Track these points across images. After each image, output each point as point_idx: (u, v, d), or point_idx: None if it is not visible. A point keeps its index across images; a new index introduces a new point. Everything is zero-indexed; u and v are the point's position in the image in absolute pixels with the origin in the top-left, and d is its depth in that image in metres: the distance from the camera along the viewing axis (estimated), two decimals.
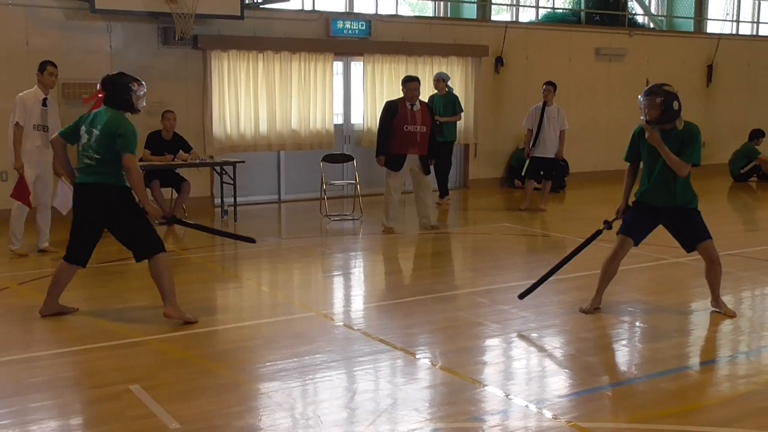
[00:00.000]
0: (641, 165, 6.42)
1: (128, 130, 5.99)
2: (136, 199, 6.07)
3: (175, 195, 10.85)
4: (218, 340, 5.90)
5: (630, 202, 6.50)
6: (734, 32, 18.42)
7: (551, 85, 11.83)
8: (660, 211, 6.32)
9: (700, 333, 6.17)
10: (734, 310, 6.52)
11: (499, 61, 14.61)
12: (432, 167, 10.14)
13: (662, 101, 6.07)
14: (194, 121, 11.94)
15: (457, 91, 14.09)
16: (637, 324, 6.35)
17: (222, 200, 11.23)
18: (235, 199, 10.98)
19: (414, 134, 9.70)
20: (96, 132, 6.02)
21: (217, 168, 11.21)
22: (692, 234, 6.35)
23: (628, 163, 6.51)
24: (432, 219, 10.21)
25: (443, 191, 12.72)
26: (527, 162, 11.84)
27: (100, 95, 6.83)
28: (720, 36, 17.53)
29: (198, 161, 10.79)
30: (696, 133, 6.17)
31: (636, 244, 6.43)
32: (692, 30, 17.73)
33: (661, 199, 6.25)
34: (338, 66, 13.28)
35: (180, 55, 11.80)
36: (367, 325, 6.21)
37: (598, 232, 6.34)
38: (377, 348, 5.58)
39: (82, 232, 6.13)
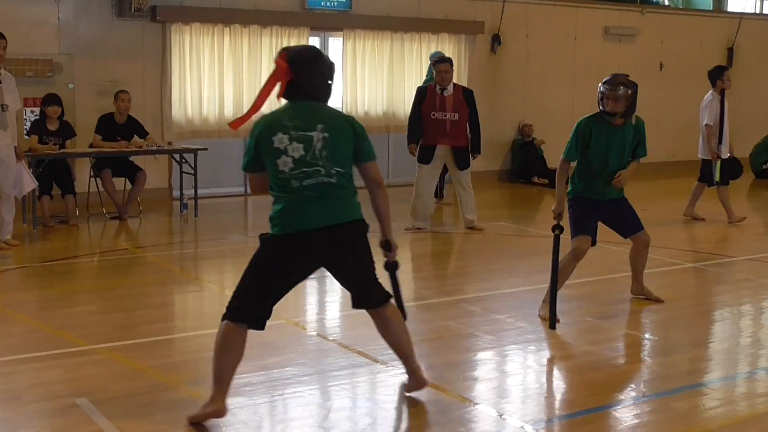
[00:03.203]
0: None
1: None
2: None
3: (129, 186, 10.81)
4: (176, 350, 5.88)
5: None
6: (757, 11, 18.54)
7: (726, 70, 11.54)
8: (602, 204, 6.75)
9: (717, 346, 6.21)
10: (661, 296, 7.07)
11: (495, 40, 14.64)
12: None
13: (632, 94, 6.49)
14: (151, 103, 11.89)
15: None
16: (647, 336, 6.39)
17: (181, 193, 11.20)
18: (195, 191, 10.95)
19: (443, 122, 9.70)
20: (322, 135, 4.51)
21: (177, 156, 11.17)
22: (632, 221, 6.90)
23: (566, 161, 6.72)
24: (473, 218, 10.12)
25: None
26: (718, 165, 11.28)
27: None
28: (742, 15, 17.64)
29: (155, 148, 10.76)
30: (644, 125, 6.77)
31: (593, 242, 6.74)
32: (711, 8, 17.84)
33: (608, 193, 6.73)
34: (315, 42, 13.25)
35: (136, 28, 11.74)
36: (344, 335, 6.21)
37: (557, 240, 6.43)
38: (355, 361, 5.58)
39: (281, 286, 4.67)
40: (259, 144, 4.48)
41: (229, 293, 7.44)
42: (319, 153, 4.45)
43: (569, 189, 6.82)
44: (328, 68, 4.60)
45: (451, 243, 10.02)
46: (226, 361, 4.53)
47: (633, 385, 5.33)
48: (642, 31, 16.19)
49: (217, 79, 12.23)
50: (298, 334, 6.21)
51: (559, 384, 5.35)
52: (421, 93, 9.93)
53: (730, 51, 17.52)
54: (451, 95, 9.72)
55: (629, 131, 6.61)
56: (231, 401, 4.84)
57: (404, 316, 4.97)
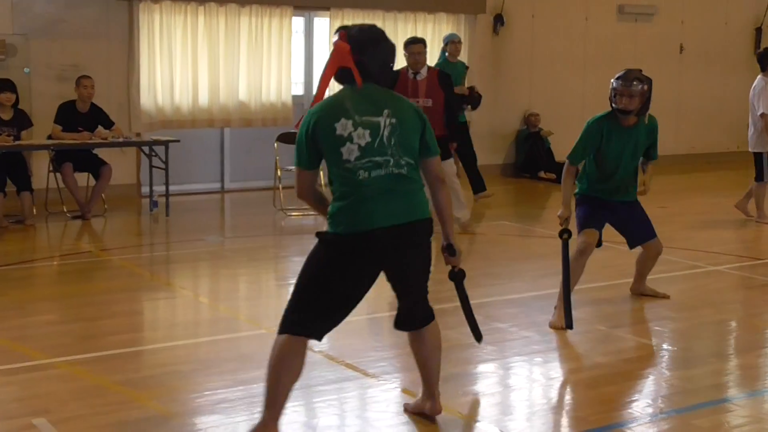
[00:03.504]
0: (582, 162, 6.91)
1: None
2: None
3: (93, 182, 10.80)
4: (144, 364, 5.88)
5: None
6: None
7: None
8: (612, 205, 6.88)
9: (742, 358, 6.22)
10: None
11: (498, 20, 14.65)
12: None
13: (647, 89, 6.61)
14: (117, 90, 11.88)
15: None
16: (665, 347, 6.41)
17: (151, 189, 11.19)
18: (167, 187, 10.94)
19: None
20: (390, 120, 4.45)
21: (146, 149, 11.16)
22: (644, 227, 7.02)
23: (573, 164, 6.82)
24: (459, 215, 9.91)
25: (477, 185, 12.53)
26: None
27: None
28: None
29: (121, 140, 10.74)
30: (658, 125, 6.88)
31: (599, 243, 6.87)
32: None
33: (619, 195, 6.88)
34: (298, 23, 13.26)
35: (99, 6, 11.72)
36: (331, 346, 6.21)
37: (566, 245, 6.47)
38: (343, 374, 5.59)
39: (347, 296, 4.50)
40: (317, 132, 4.36)
41: (204, 301, 7.53)
42: (387, 141, 4.38)
43: (576, 189, 6.89)
44: (391, 50, 4.59)
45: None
46: (284, 380, 4.38)
47: (650, 401, 5.34)
48: (660, 9, 16.20)
49: (191, 63, 12.20)
50: None
51: (568, 399, 5.36)
52: (393, 77, 9.86)
53: (758, 31, 17.54)
54: (425, 79, 9.65)
55: (642, 131, 6.72)
56: (205, 420, 4.85)
57: (478, 338, 5.00)
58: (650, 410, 5.16)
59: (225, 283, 8.25)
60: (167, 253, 9.25)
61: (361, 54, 4.44)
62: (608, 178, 6.78)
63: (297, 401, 5.16)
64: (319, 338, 4.47)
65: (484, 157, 14.80)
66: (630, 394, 5.43)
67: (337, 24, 13.02)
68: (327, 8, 13.13)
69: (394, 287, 4.69)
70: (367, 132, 4.35)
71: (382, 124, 4.38)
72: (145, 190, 11.67)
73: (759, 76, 10.82)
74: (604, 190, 6.84)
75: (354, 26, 4.57)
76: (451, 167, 9.86)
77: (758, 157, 10.72)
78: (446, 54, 11.96)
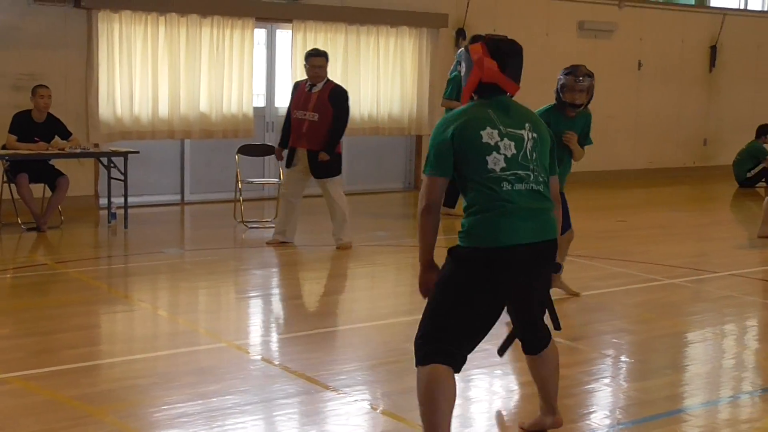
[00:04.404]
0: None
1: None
2: None
3: (49, 193, 10.70)
4: (101, 378, 5.82)
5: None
6: (742, 7, 18.88)
7: None
8: None
9: (698, 369, 6.29)
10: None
11: (460, 34, 14.73)
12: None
13: (593, 84, 6.96)
14: (75, 100, 11.79)
15: (408, 70, 14.21)
16: (623, 359, 6.46)
17: (109, 201, 11.10)
18: (126, 199, 10.87)
19: (301, 122, 9.56)
20: (532, 135, 4.36)
21: (104, 160, 11.08)
22: (567, 217, 7.25)
23: None
24: (340, 235, 9.83)
25: (450, 200, 12.35)
26: None
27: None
28: (725, 11, 17.96)
29: (79, 151, 10.65)
30: (591, 116, 7.31)
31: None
32: (693, 3, 18.13)
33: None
34: (260, 35, 13.25)
35: (57, 14, 11.63)
36: (291, 359, 6.20)
37: None
38: (303, 387, 5.57)
39: (485, 317, 4.33)
40: (460, 139, 4.18)
41: (163, 314, 7.48)
42: (530, 155, 4.26)
43: None
44: (521, 62, 4.47)
45: (411, 256, 10.03)
46: (443, 409, 4.15)
47: (608, 412, 5.38)
48: (619, 26, 16.40)
49: (151, 73, 12.15)
50: (240, 358, 6.19)
51: (528, 411, 5.38)
52: (293, 89, 9.91)
53: (713, 49, 17.82)
54: (318, 93, 9.58)
55: (580, 121, 7.05)
56: None
57: (558, 326, 4.78)
58: (608, 421, 5.20)
59: (184, 296, 8.20)
60: (126, 266, 9.18)
61: (503, 66, 4.33)
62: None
63: (256, 415, 5.15)
64: (460, 368, 4.23)
65: None
66: (587, 405, 5.47)
67: (300, 37, 13.06)
68: (289, 20, 13.14)
69: (518, 306, 4.51)
70: (513, 144, 4.22)
71: (525, 137, 4.28)
72: (104, 201, 11.58)
73: None
74: None
75: (494, 37, 4.44)
76: (337, 186, 9.76)
77: None
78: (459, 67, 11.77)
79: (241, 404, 5.25)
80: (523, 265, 4.20)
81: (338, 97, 9.66)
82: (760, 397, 5.74)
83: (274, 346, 6.68)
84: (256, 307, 7.97)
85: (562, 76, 6.84)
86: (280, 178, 11.50)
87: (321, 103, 9.52)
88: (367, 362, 6.15)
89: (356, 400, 5.39)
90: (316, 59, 9.62)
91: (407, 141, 14.83)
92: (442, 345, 4.17)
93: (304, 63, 9.72)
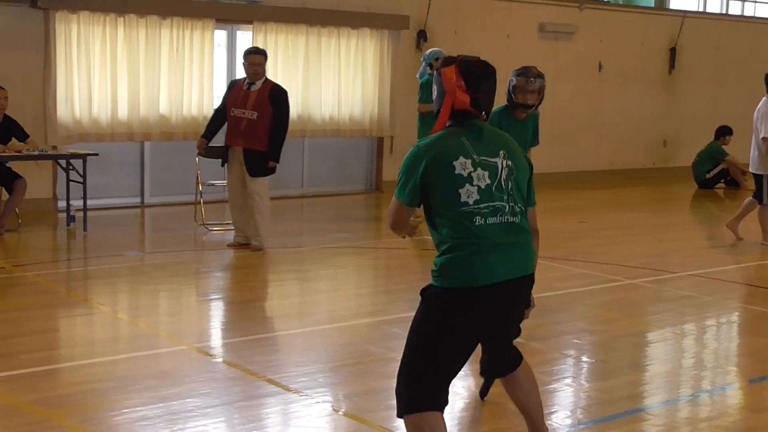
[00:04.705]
0: None
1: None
2: None
3: (6, 196, 10.60)
4: (60, 382, 5.78)
5: None
6: (701, 9, 19.10)
7: None
8: None
9: (658, 368, 6.37)
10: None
11: (421, 36, 14.78)
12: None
13: (545, 85, 6.95)
14: (32, 102, 11.69)
15: (369, 72, 14.23)
16: (584, 359, 6.52)
17: (68, 204, 11.02)
18: (85, 202, 10.79)
19: (239, 121, 9.55)
20: (506, 163, 4.19)
21: (63, 162, 11.00)
22: None
23: None
24: (257, 236, 9.76)
25: None
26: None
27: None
28: (685, 13, 18.15)
29: (37, 153, 10.56)
30: (539, 115, 7.34)
31: None
32: (653, 5, 18.31)
33: None
34: (221, 36, 13.21)
35: (14, 15, 11.53)
36: (253, 361, 6.19)
37: None
38: (265, 390, 5.57)
39: (465, 355, 4.15)
40: (431, 170, 4.00)
41: (123, 317, 7.43)
42: (504, 184, 4.06)
43: None
44: (495, 85, 4.30)
45: (372, 258, 10.06)
46: None
47: (569, 412, 5.43)
48: (580, 28, 16.52)
49: (110, 75, 12.07)
50: (201, 361, 6.17)
51: (489, 411, 5.41)
52: (230, 86, 9.92)
53: (673, 51, 18.00)
54: (256, 91, 9.57)
55: (531, 123, 7.11)
56: None
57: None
58: (569, 421, 5.25)
59: (145, 298, 8.16)
60: (85, 269, 9.11)
61: (476, 90, 4.15)
62: None
63: (217, 417, 5.14)
64: (446, 405, 4.06)
65: None
66: (549, 405, 5.50)
67: (260, 38, 13.03)
68: (250, 22, 13.11)
69: (491, 338, 4.41)
70: (486, 173, 4.02)
71: (500, 166, 4.08)
72: (62, 204, 11.49)
73: (764, 99, 10.45)
74: None
75: (465, 59, 4.26)
76: (264, 188, 9.69)
77: (759, 178, 10.51)
78: (430, 71, 11.85)
79: (202, 407, 5.25)
80: (499, 303, 4.05)
81: (279, 96, 9.64)
82: (720, 396, 5.84)
83: (236, 348, 6.66)
84: (217, 309, 7.95)
85: (513, 78, 6.90)
86: None
87: (260, 102, 9.51)
88: (329, 364, 6.16)
89: (318, 402, 5.40)
90: (255, 57, 9.61)
91: (369, 143, 14.85)
92: (427, 390, 4.01)
93: (243, 61, 9.71)
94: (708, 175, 16.36)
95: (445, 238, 4.01)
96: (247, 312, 7.89)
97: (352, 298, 8.26)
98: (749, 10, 19.94)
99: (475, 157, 4.03)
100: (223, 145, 9.82)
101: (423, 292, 4.12)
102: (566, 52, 16.38)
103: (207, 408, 5.24)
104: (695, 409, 5.60)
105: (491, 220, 3.98)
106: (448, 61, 4.26)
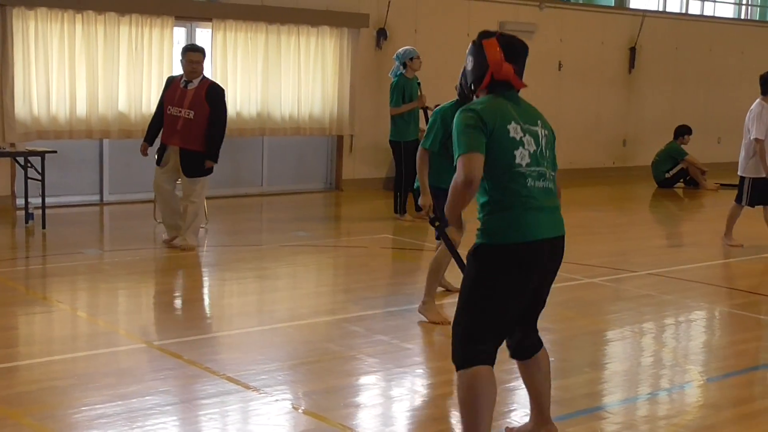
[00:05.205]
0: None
1: None
2: None
3: None
4: (18, 380, 5.76)
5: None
6: (661, 9, 19.30)
7: None
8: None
9: (617, 367, 6.45)
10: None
11: (381, 34, 14.81)
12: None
13: None
14: None
15: (329, 70, 14.24)
16: None
17: (26, 201, 10.95)
18: (43, 199, 10.73)
19: (176, 119, 9.47)
20: (544, 132, 4.50)
21: (21, 159, 10.92)
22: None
23: (427, 150, 7.10)
24: (186, 235, 9.69)
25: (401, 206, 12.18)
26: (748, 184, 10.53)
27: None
28: (645, 13, 18.33)
29: None
30: None
31: None
32: (613, 4, 18.47)
33: None
34: (180, 33, 13.16)
35: None
36: (212, 359, 6.20)
37: (442, 231, 6.70)
38: (224, 388, 5.58)
39: (517, 310, 4.42)
40: (493, 129, 4.24)
41: (82, 315, 7.41)
42: (545, 151, 4.39)
43: (432, 182, 7.08)
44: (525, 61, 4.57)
45: (332, 257, 10.08)
46: (485, 411, 4.24)
47: (528, 410, 5.48)
48: (540, 27, 16.63)
49: (68, 72, 12.00)
50: (160, 358, 6.16)
51: (448, 410, 5.46)
52: (167, 84, 9.82)
53: (633, 51, 18.17)
54: (193, 90, 9.51)
55: None
56: None
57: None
58: (527, 419, 5.29)
59: (104, 296, 8.13)
60: (44, 267, 9.06)
61: (515, 62, 4.44)
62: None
63: (177, 415, 5.15)
64: (494, 362, 4.32)
65: (366, 171, 14.98)
66: (508, 404, 5.56)
67: (219, 36, 13.01)
68: (209, 19, 13.08)
69: (530, 300, 4.47)
70: (532, 140, 4.33)
71: (540, 134, 4.39)
72: (20, 202, 11.42)
73: (757, 100, 10.35)
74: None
75: (505, 35, 4.52)
76: (201, 188, 9.68)
77: (743, 180, 10.47)
78: (403, 69, 11.91)
79: (161, 405, 5.25)
80: (544, 257, 4.32)
81: (216, 95, 9.57)
82: (678, 394, 5.91)
83: (195, 346, 6.65)
84: (176, 307, 7.94)
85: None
86: None
87: (197, 101, 9.45)
88: (288, 362, 6.18)
89: (277, 400, 5.42)
90: (193, 54, 9.52)
91: (329, 141, 14.87)
92: (481, 346, 4.25)
93: (180, 58, 9.63)
94: (667, 175, 16.53)
95: (494, 198, 4.26)
96: (206, 310, 7.89)
97: (312, 297, 8.28)
98: (709, 10, 20.16)
99: (522, 123, 4.32)
100: (162, 143, 9.70)
101: (474, 252, 4.30)
102: None
103: (166, 406, 5.25)
104: (654, 408, 5.67)
105: (538, 183, 4.28)
106: (486, 34, 4.52)
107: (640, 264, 9.67)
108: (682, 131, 16.65)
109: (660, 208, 15.32)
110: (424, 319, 7.06)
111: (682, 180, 16.63)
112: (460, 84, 7.00)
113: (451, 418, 5.35)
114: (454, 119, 4.31)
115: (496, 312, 4.26)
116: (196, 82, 9.50)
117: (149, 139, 9.86)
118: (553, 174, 4.42)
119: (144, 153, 9.94)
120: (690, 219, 14.53)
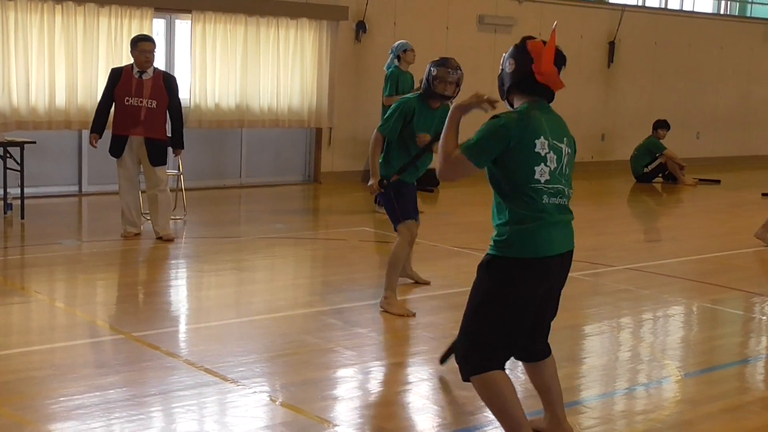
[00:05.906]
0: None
1: None
2: None
3: None
4: None
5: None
6: (640, 3, 19.39)
7: None
8: (410, 188, 7.41)
9: (594, 361, 6.50)
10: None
11: (360, 27, 14.82)
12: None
13: (462, 77, 7.21)
14: None
15: (308, 63, 14.24)
16: None
17: (5, 192, 10.91)
18: (22, 190, 10.70)
19: (137, 110, 9.48)
20: (567, 150, 4.52)
21: None
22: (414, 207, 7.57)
23: (383, 135, 7.28)
24: (163, 227, 9.77)
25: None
26: None
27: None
28: (624, 7, 18.41)
29: None
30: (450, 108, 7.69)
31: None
32: None
33: (417, 176, 7.51)
34: (159, 25, 13.13)
35: None
36: (190, 351, 6.22)
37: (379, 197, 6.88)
38: (202, 379, 5.60)
39: (525, 319, 4.54)
40: (520, 142, 4.28)
41: (60, 306, 7.40)
42: (565, 169, 4.44)
43: (384, 172, 7.25)
44: None
45: (310, 249, 10.10)
46: (512, 401, 4.39)
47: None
48: (519, 21, 16.67)
49: (47, 62, 11.95)
50: (138, 350, 6.17)
51: (425, 403, 5.49)
52: (115, 75, 9.72)
53: (612, 45, 18.25)
54: (150, 79, 9.56)
55: (443, 113, 7.14)
56: (60, 426, 4.80)
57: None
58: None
59: (82, 287, 8.12)
60: (22, 257, 9.04)
61: (558, 67, 4.47)
62: (415, 158, 7.21)
63: (155, 407, 5.17)
64: (504, 365, 4.46)
65: (345, 164, 14.99)
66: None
67: (199, 27, 13.00)
68: (188, 11, 13.05)
69: (538, 311, 4.58)
70: (555, 157, 4.36)
71: (563, 152, 4.42)
72: None
73: None
74: (411, 173, 7.31)
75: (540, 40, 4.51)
76: (166, 176, 9.79)
77: None
78: (397, 62, 11.93)
79: (138, 396, 5.27)
80: (554, 272, 4.45)
81: (173, 84, 9.75)
82: (655, 389, 5.94)
83: (173, 337, 6.68)
84: (154, 298, 7.94)
85: (433, 68, 7.12)
86: (179, 170, 11.44)
87: (157, 90, 9.53)
88: (266, 354, 6.21)
89: (255, 392, 5.45)
90: (146, 44, 9.55)
91: (307, 134, 14.88)
92: (490, 353, 4.38)
93: (131, 48, 9.62)
94: (646, 169, 16.61)
95: (514, 210, 4.33)
96: (184, 301, 7.91)
97: (290, 289, 8.30)
98: (688, 5, 20.27)
99: (550, 139, 4.33)
100: (114, 135, 9.69)
101: (488, 264, 4.40)
102: (505, 45, 16.24)
103: (144, 397, 5.26)
104: (631, 403, 5.70)
105: (553, 200, 4.35)
106: (529, 38, 4.58)
107: (618, 259, 9.73)
108: (660, 125, 16.70)
109: (638, 203, 15.40)
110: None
111: (660, 175, 16.69)
112: (426, 80, 7.11)
113: (431, 412, 5.39)
114: (487, 122, 4.38)
115: (506, 323, 4.37)
116: (150, 71, 9.54)
117: (99, 131, 9.82)
118: (569, 191, 4.48)
119: (94, 144, 9.90)
120: (668, 214, 14.63)
